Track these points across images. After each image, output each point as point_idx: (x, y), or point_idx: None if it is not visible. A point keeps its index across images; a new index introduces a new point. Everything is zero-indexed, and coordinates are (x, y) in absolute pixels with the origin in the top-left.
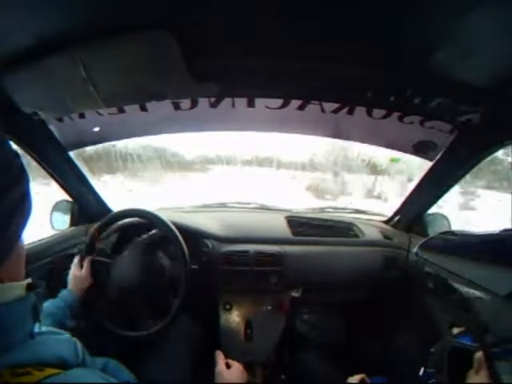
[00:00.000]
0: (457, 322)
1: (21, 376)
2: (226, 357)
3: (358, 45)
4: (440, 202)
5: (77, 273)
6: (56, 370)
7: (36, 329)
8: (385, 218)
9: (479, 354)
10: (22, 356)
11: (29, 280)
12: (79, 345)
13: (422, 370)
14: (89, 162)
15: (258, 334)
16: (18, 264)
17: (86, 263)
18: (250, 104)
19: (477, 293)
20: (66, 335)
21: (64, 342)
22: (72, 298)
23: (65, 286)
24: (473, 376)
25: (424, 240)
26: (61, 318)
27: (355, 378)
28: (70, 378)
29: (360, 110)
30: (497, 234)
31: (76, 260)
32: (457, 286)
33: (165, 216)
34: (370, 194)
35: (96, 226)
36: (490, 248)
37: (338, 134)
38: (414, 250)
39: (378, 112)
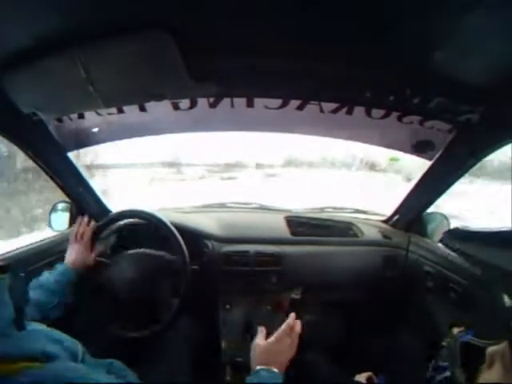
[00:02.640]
0: (456, 321)
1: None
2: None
3: (357, 45)
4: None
5: (81, 249)
6: (37, 364)
7: (31, 326)
8: (384, 218)
9: (492, 349)
10: (4, 347)
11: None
12: (79, 347)
13: (431, 364)
14: None
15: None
16: None
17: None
18: (250, 104)
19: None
20: (64, 336)
21: (58, 342)
22: (72, 274)
23: None
24: (486, 370)
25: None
26: (61, 296)
27: (362, 377)
28: (49, 371)
29: (359, 110)
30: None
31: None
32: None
33: (165, 216)
34: None
35: (95, 226)
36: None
37: (336, 134)
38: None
39: (377, 112)
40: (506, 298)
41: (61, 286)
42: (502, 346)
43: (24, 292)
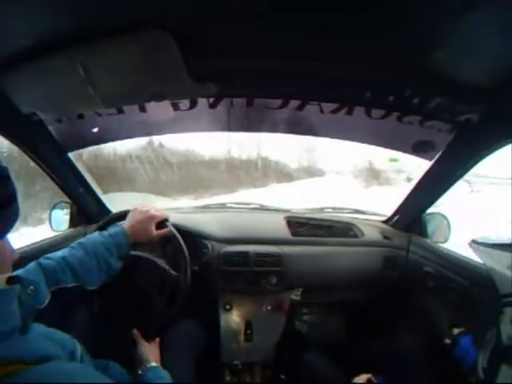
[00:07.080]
0: (456, 321)
1: None
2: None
3: (356, 45)
4: None
5: (149, 226)
6: (24, 366)
7: (34, 328)
8: (384, 218)
9: None
10: (3, 351)
11: (10, 274)
12: (78, 346)
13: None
14: None
15: (257, 335)
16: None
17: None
18: (249, 104)
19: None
20: (65, 335)
21: (58, 342)
22: (124, 240)
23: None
24: None
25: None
26: (107, 259)
27: (361, 378)
28: (39, 371)
29: (359, 110)
30: None
31: (156, 212)
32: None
33: None
34: None
35: (96, 226)
36: None
37: (336, 135)
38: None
39: (376, 112)
40: None
41: (109, 250)
42: None
43: (32, 303)
